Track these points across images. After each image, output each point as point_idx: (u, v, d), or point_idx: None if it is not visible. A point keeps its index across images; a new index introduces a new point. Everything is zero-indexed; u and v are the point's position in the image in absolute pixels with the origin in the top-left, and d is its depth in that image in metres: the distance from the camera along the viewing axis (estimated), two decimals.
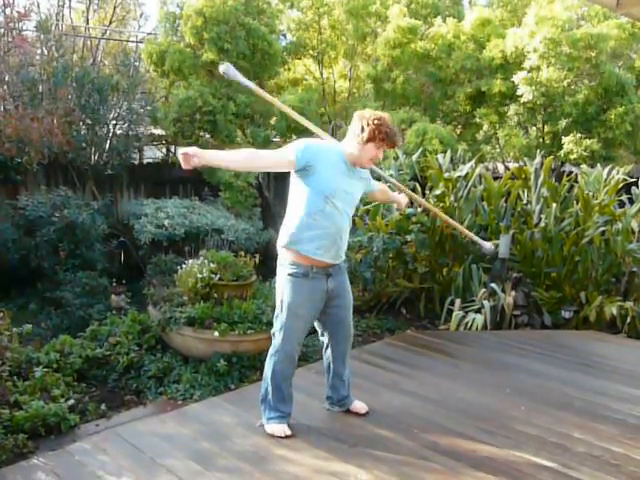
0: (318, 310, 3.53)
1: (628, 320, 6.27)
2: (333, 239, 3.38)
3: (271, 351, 3.55)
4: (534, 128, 10.48)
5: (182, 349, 5.30)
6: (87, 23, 13.17)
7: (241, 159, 3.30)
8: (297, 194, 3.37)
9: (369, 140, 3.28)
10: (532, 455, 3.43)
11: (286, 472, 3.18)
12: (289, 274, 3.40)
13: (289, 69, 11.16)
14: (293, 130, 8.77)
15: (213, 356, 5.06)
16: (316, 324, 3.70)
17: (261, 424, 3.61)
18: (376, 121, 3.26)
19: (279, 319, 3.47)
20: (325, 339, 3.74)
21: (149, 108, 8.44)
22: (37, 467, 3.19)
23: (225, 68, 3.70)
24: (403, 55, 9.75)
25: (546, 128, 10.02)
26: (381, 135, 3.27)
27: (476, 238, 4.73)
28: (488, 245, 4.72)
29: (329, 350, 3.74)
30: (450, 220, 4.90)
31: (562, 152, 9.38)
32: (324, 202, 3.29)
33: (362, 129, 3.28)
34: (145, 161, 9.61)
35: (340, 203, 3.35)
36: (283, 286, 3.42)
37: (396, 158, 7.75)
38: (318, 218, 3.31)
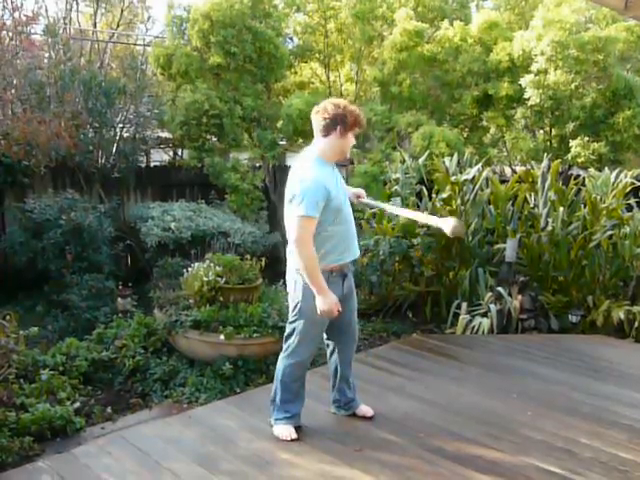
0: None
1: (636, 324, 6.23)
2: (352, 235, 3.49)
3: (283, 354, 3.55)
4: (541, 131, 10.45)
5: (188, 352, 5.31)
6: (95, 26, 13.21)
7: (311, 261, 3.22)
8: None
9: (351, 128, 3.28)
10: (539, 460, 3.40)
11: (291, 476, 3.17)
12: None
13: (296, 72, 11.17)
14: (300, 134, 8.78)
15: (219, 359, 5.06)
16: None
17: (270, 424, 3.61)
18: (349, 108, 3.26)
19: (294, 325, 3.46)
20: (331, 342, 3.73)
21: (156, 111, 8.48)
22: (43, 470, 3.20)
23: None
24: (410, 58, 9.73)
25: (553, 131, 9.98)
26: (358, 120, 3.28)
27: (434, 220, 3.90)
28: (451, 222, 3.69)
29: (335, 354, 3.73)
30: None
31: (569, 155, 9.34)
32: (337, 212, 3.33)
33: (341, 120, 3.25)
34: (152, 164, 9.66)
35: (345, 203, 3.43)
36: (300, 292, 3.38)
37: (403, 161, 7.75)
38: (333, 227, 3.35)
